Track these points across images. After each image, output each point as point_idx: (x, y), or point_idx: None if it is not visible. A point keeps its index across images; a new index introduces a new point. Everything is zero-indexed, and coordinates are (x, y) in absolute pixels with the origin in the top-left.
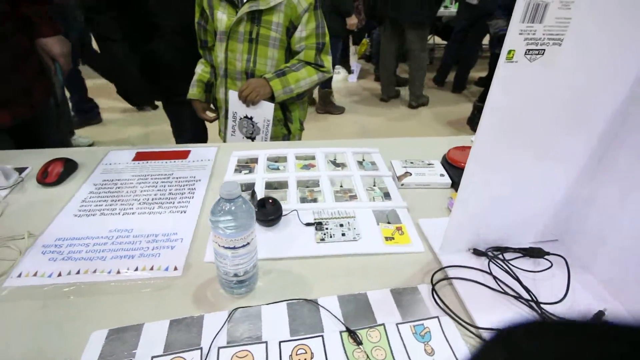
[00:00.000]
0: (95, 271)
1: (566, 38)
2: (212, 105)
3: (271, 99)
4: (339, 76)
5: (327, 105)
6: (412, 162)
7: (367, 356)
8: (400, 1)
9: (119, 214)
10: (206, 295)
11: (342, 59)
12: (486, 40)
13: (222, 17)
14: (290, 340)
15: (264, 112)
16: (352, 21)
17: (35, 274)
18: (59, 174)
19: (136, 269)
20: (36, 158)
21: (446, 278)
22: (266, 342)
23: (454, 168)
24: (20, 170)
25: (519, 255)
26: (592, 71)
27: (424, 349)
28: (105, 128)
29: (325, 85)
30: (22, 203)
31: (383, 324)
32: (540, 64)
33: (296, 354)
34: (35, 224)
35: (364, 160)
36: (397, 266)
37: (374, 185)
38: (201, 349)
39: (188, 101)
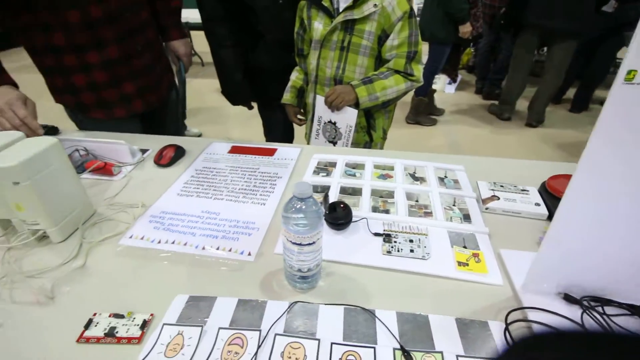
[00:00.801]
0: (185, 244)
1: None
2: (302, 110)
3: (356, 105)
4: (436, 86)
5: (418, 115)
6: (502, 186)
7: None
8: (551, 7)
9: (210, 197)
10: (271, 283)
11: (449, 68)
12: (621, 54)
13: (319, 27)
14: (342, 344)
15: (348, 118)
16: (466, 29)
17: (142, 238)
18: (170, 157)
19: (217, 248)
20: (156, 142)
21: (525, 320)
22: (319, 340)
23: (553, 198)
24: (143, 151)
25: (625, 312)
26: None
27: None
28: (213, 121)
29: (420, 93)
30: (141, 178)
31: (441, 352)
32: None
33: (346, 359)
34: (148, 197)
35: (446, 177)
36: (467, 295)
37: (454, 205)
38: (260, 331)
39: (281, 105)
